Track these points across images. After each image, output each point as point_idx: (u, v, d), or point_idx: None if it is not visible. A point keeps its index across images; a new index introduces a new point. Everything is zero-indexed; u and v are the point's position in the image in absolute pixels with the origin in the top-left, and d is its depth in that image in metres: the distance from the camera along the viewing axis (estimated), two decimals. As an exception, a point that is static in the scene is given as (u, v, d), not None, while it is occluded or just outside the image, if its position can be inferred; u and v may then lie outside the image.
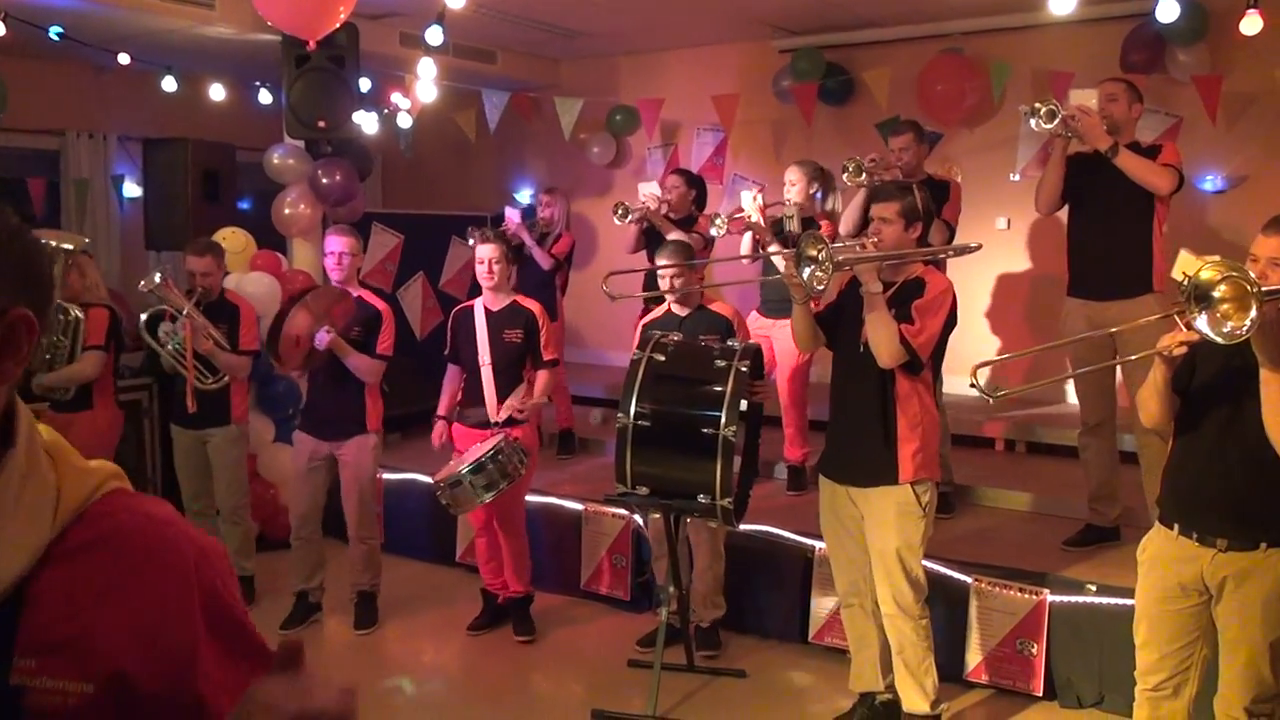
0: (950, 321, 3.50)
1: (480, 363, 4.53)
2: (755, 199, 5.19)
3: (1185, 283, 2.58)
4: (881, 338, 3.40)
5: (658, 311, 4.54)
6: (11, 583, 0.94)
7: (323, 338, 4.40)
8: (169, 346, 4.80)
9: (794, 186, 5.29)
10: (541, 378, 4.59)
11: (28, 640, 0.94)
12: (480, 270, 4.55)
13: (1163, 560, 2.98)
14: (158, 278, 4.71)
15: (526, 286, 6.19)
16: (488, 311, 4.59)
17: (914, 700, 3.57)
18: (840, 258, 3.31)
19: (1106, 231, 4.39)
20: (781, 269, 5.20)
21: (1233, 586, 2.88)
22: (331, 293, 4.58)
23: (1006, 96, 6.54)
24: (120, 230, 7.71)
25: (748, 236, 5.30)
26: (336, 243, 4.66)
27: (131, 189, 7.61)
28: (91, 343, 4.80)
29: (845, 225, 5.24)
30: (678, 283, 4.38)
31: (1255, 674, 2.90)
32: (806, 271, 3.29)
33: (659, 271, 4.44)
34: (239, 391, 5.02)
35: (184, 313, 4.69)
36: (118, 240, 7.67)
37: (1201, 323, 2.53)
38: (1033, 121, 4.22)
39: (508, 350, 4.51)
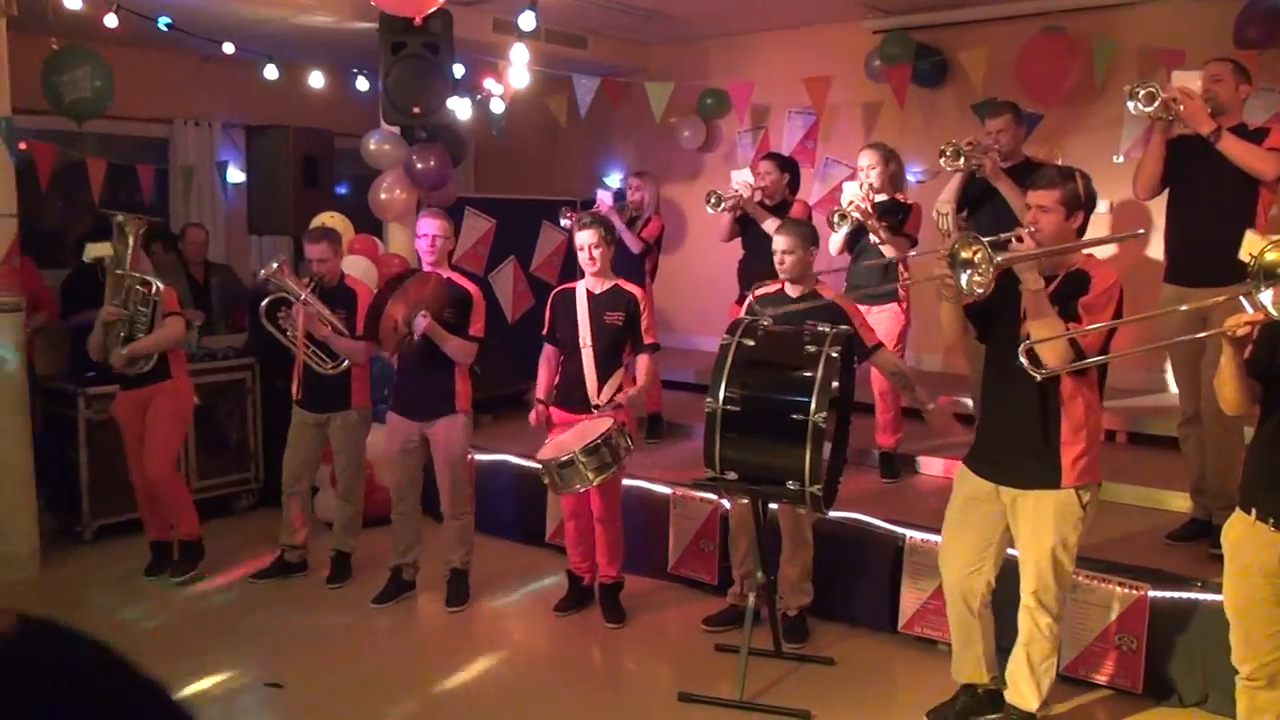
0: (1117, 315, 3.30)
1: (581, 344, 4.55)
2: (862, 188, 5.14)
3: (1251, 263, 2.54)
4: (1048, 343, 3.19)
5: (771, 286, 4.49)
6: None
7: (420, 323, 4.49)
8: (289, 334, 4.93)
9: (873, 170, 5.25)
10: (643, 362, 4.60)
11: None
12: (582, 256, 4.56)
13: (1243, 546, 2.94)
14: (275, 265, 4.86)
15: (616, 270, 6.20)
16: (589, 294, 4.61)
17: (1026, 696, 3.49)
18: (1000, 258, 3.13)
19: (1207, 217, 4.21)
20: (892, 253, 5.15)
21: None
22: (427, 278, 4.64)
23: (1111, 76, 6.33)
24: (225, 215, 7.95)
25: (843, 230, 5.24)
26: (429, 225, 4.74)
27: (235, 175, 7.84)
28: (169, 309, 5.04)
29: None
30: (790, 265, 4.33)
31: None
32: (964, 277, 3.12)
33: (775, 250, 4.38)
34: (360, 377, 5.12)
35: (301, 299, 4.82)
36: (222, 225, 7.93)
37: (1266, 299, 2.48)
38: (1131, 105, 4.09)
39: (609, 333, 4.52)
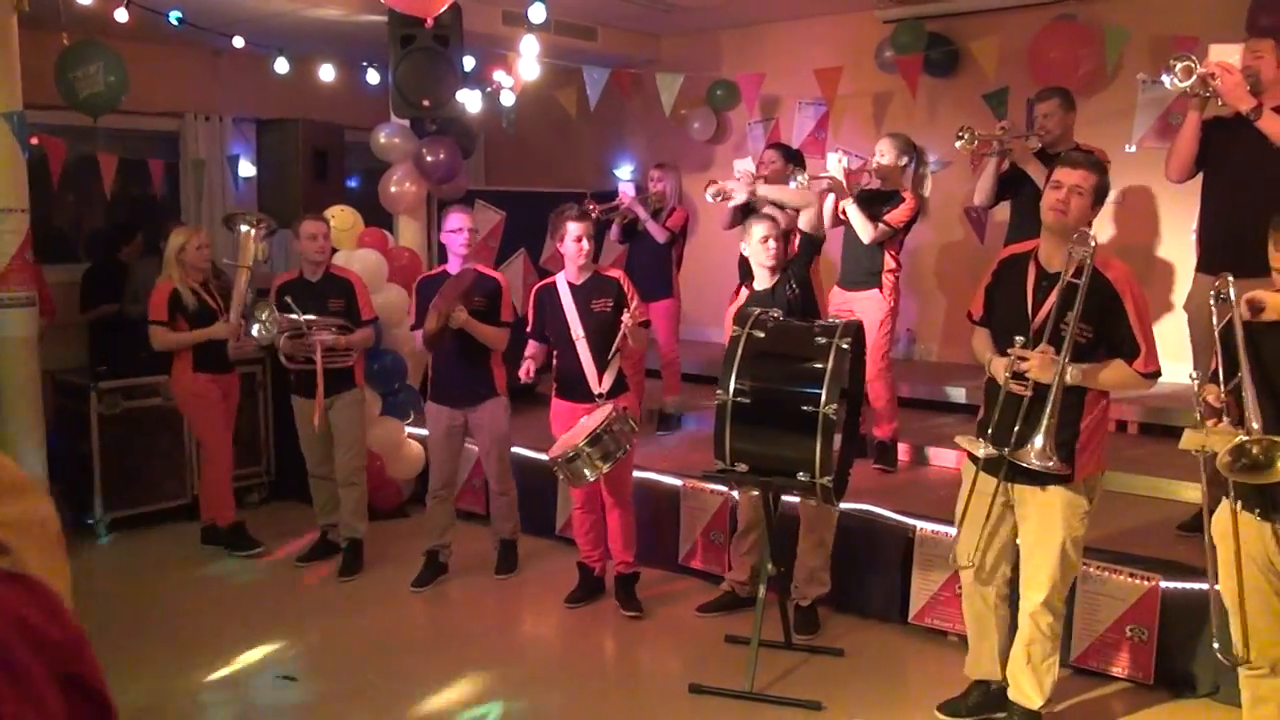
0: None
1: (574, 337, 4.56)
2: (840, 160, 5.17)
3: None
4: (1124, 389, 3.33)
5: (741, 299, 4.49)
6: None
7: (458, 318, 4.72)
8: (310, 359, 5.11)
9: (884, 157, 5.28)
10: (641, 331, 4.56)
11: None
12: (575, 247, 4.55)
13: (1231, 536, 2.98)
14: (265, 318, 5.08)
15: (643, 262, 6.21)
16: (572, 286, 4.62)
17: (1029, 694, 3.48)
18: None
19: (1245, 203, 3.99)
20: (863, 235, 5.16)
21: None
22: (460, 277, 4.82)
23: (1123, 64, 6.29)
24: (235, 209, 7.97)
25: (829, 204, 5.25)
26: (461, 219, 4.94)
27: (246, 168, 7.86)
28: (151, 318, 5.24)
29: (980, 196, 5.14)
30: (775, 249, 4.34)
31: None
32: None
33: (757, 250, 4.38)
34: (359, 359, 5.35)
35: (310, 329, 5.05)
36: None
37: None
38: (1167, 79, 3.93)
39: (599, 321, 4.52)
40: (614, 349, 4.46)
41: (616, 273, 4.68)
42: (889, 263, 5.31)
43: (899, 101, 7.32)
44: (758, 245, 4.36)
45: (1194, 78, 3.91)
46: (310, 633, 4.60)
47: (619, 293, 4.57)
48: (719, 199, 5.74)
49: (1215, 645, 2.99)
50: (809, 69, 7.18)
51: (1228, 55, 3.99)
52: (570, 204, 5.34)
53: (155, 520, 5.47)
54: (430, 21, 5.65)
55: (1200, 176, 4.30)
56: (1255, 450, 2.74)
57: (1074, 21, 6.57)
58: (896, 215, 5.24)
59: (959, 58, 7.12)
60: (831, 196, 5.27)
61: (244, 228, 5.25)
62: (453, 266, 4.97)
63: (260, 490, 6.49)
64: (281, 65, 6.73)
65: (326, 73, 6.96)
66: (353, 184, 7.92)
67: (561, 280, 4.66)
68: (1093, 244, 3.19)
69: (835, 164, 5.20)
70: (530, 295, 4.80)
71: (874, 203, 5.26)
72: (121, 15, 5.57)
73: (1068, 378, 3.19)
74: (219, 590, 5.12)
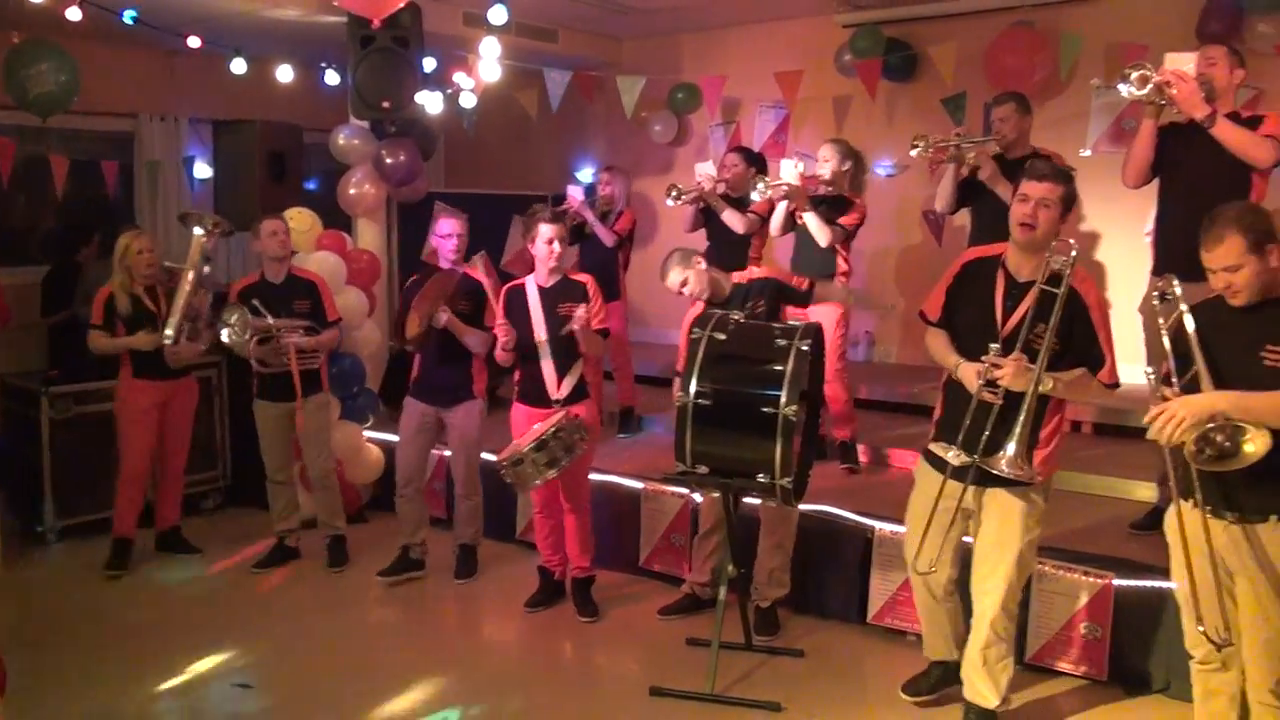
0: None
1: (537, 339, 4.55)
2: (796, 167, 5.21)
3: None
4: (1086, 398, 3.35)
5: (697, 309, 4.50)
6: None
7: (440, 318, 4.76)
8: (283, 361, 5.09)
9: (827, 163, 5.33)
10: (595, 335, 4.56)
11: None
12: (546, 249, 4.54)
13: (1184, 533, 3.00)
14: (234, 321, 4.97)
15: (590, 264, 6.21)
16: (540, 289, 4.61)
17: (984, 694, 3.52)
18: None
19: (1199, 208, 3.92)
20: (821, 240, 5.20)
21: (1246, 561, 2.90)
22: (444, 278, 4.87)
23: (1077, 70, 6.39)
24: (191, 210, 7.87)
25: (780, 210, 5.29)
26: (452, 224, 4.98)
27: (202, 170, 7.77)
28: (91, 321, 5.16)
29: (940, 203, 5.17)
30: (695, 288, 4.40)
31: (1275, 653, 2.89)
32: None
33: (679, 292, 4.43)
34: (324, 361, 5.35)
35: (277, 331, 5.03)
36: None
37: None
38: (1124, 88, 3.97)
39: (564, 325, 4.50)
40: (564, 330, 4.43)
41: (585, 278, 4.67)
42: (841, 265, 5.38)
43: (858, 105, 7.38)
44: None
45: (1150, 86, 3.95)
46: (267, 639, 4.54)
47: (586, 298, 4.55)
48: (681, 201, 5.77)
49: (1200, 629, 3.02)
50: (769, 72, 7.23)
51: (1182, 63, 4.03)
52: (544, 205, 5.36)
53: (107, 527, 5.38)
54: (377, 23, 5.62)
55: (1156, 181, 4.35)
56: (1220, 437, 2.77)
57: (1030, 28, 6.66)
58: (850, 218, 5.30)
59: (917, 62, 7.19)
60: (783, 203, 5.31)
61: (197, 230, 5.13)
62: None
63: (216, 496, 6.40)
64: (238, 65, 6.66)
65: (284, 73, 6.90)
66: (311, 186, 7.85)
67: (531, 282, 4.65)
68: (1073, 254, 3.23)
69: (791, 171, 5.23)
70: (500, 295, 4.79)
71: (826, 208, 5.31)
72: (74, 14, 5.48)
73: (1042, 387, 3.22)
74: (173, 598, 5.04)
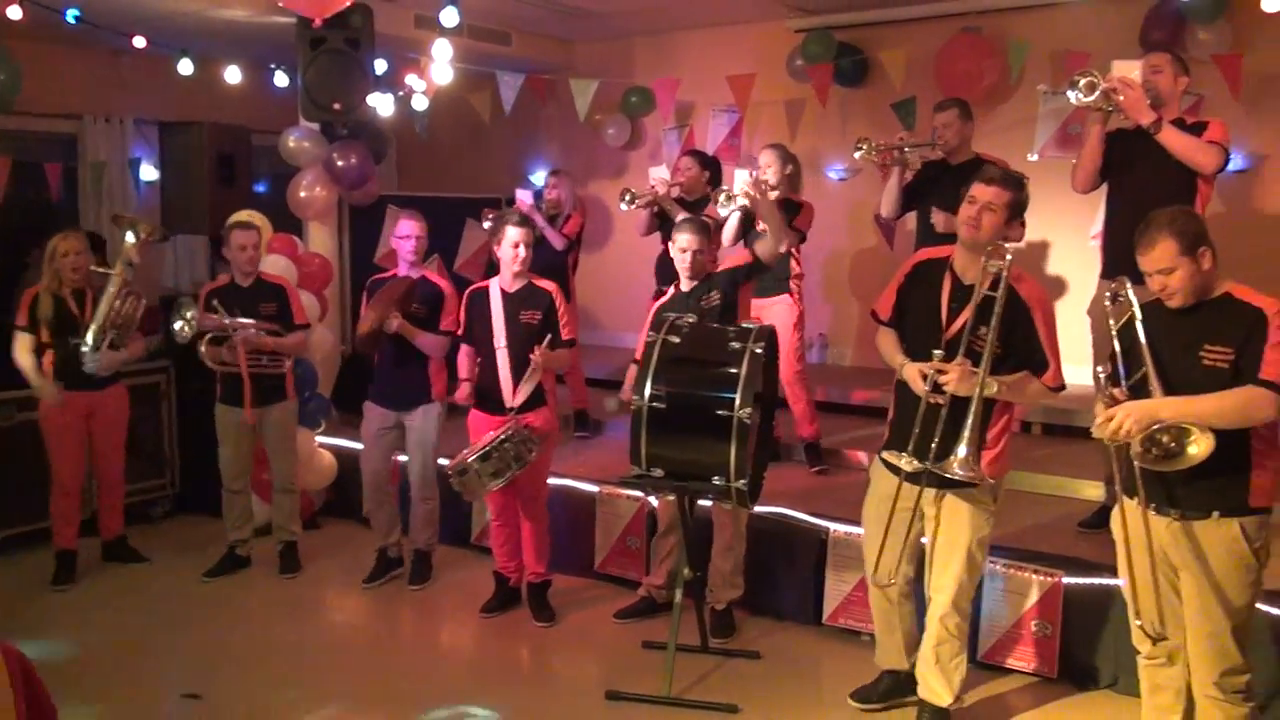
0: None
1: (495, 345, 4.51)
2: (752, 175, 5.22)
3: None
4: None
5: (667, 296, 4.53)
6: None
7: (391, 324, 4.75)
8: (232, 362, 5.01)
9: (770, 169, 5.33)
10: (559, 354, 4.55)
11: None
12: (510, 253, 4.50)
13: (1129, 532, 3.07)
14: (190, 316, 4.88)
15: (539, 267, 6.18)
16: (504, 293, 4.57)
17: (938, 692, 3.56)
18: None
19: (1147, 213, 4.12)
20: (780, 246, 5.21)
21: (1188, 557, 2.97)
22: (399, 283, 4.87)
23: (1024, 76, 6.48)
24: (137, 213, 7.73)
25: (734, 220, 5.30)
26: (411, 226, 4.95)
27: (149, 172, 7.64)
28: (16, 323, 5.05)
29: (885, 207, 5.22)
30: (691, 262, 4.36)
31: (1218, 647, 2.95)
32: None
33: (678, 253, 4.41)
34: (290, 369, 5.29)
35: (232, 331, 4.95)
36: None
37: None
38: (1072, 95, 4.05)
39: (524, 333, 4.46)
40: (528, 373, 4.41)
41: (550, 285, 4.60)
42: (795, 268, 5.42)
43: (810, 109, 7.43)
44: (678, 253, 4.39)
45: (1097, 93, 4.04)
46: (217, 648, 4.47)
47: (550, 307, 4.52)
48: (634, 205, 5.77)
49: (1138, 623, 3.08)
50: (722, 76, 7.26)
51: (1129, 70, 4.13)
52: (513, 209, 5.33)
53: (49, 537, 5.25)
54: (319, 22, 5.57)
55: (1105, 186, 4.43)
56: (1166, 438, 2.83)
57: (978, 34, 6.75)
58: (803, 220, 5.34)
59: (868, 67, 7.26)
60: (736, 215, 5.30)
61: (128, 234, 4.99)
62: (402, 272, 5.00)
63: (164, 504, 6.29)
64: (185, 66, 6.57)
65: (232, 74, 6.81)
66: (260, 189, 7.75)
67: (495, 286, 4.61)
68: (1008, 258, 3.27)
69: (746, 180, 5.22)
70: (463, 298, 4.74)
71: (783, 213, 5.32)
72: (15, 12, 5.37)
73: (987, 390, 3.26)
74: (120, 607, 4.95)
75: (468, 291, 4.74)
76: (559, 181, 6.47)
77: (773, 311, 5.27)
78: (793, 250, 5.37)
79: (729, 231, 5.41)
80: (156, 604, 4.97)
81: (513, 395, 4.48)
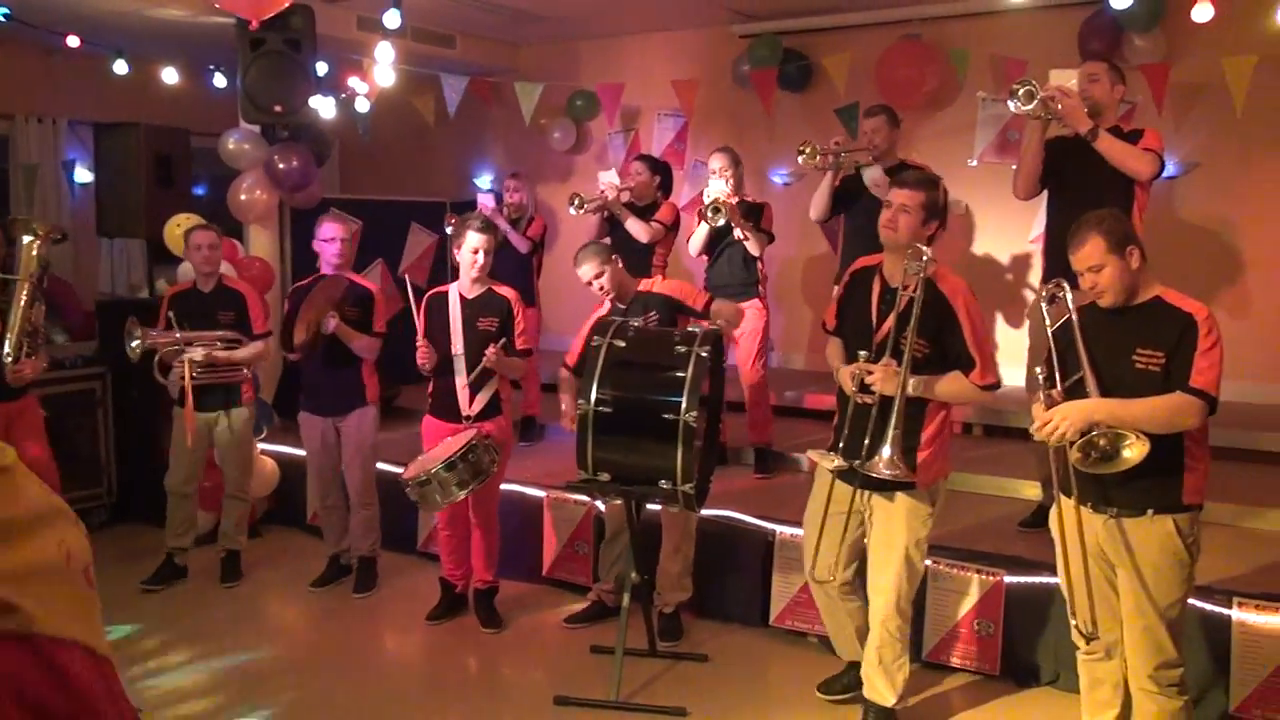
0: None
1: (453, 352, 4.46)
2: (728, 184, 5.25)
3: None
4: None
5: (602, 310, 4.52)
6: None
7: (329, 323, 4.70)
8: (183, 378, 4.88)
9: (727, 171, 5.34)
10: (512, 360, 4.52)
11: None
12: (470, 259, 4.42)
13: (1067, 529, 3.13)
14: (139, 335, 4.76)
15: (505, 272, 6.15)
16: (463, 299, 4.51)
17: (882, 693, 3.59)
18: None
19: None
20: (755, 250, 5.26)
21: (1124, 554, 3.04)
22: (332, 284, 4.81)
23: (964, 83, 6.58)
24: (72, 217, 7.57)
25: (703, 229, 5.33)
26: (333, 229, 4.89)
27: (83, 174, 7.48)
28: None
29: (815, 210, 5.27)
30: (607, 285, 4.39)
31: (1153, 641, 3.02)
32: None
33: (590, 284, 4.42)
34: (249, 373, 5.23)
35: (182, 350, 4.86)
36: (69, 227, 7.53)
37: None
38: (1012, 103, 4.11)
39: (482, 340, 4.40)
40: (478, 369, 4.38)
41: (510, 293, 4.55)
42: (762, 272, 5.46)
43: (755, 114, 7.47)
44: (598, 290, 4.44)
45: (1036, 101, 4.10)
46: (157, 660, 4.38)
47: (507, 314, 4.48)
48: (584, 210, 5.76)
49: (1074, 621, 3.14)
50: (667, 81, 7.27)
51: (1066, 79, 4.21)
52: (476, 213, 5.27)
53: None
54: (256, 24, 5.49)
55: (1045, 193, 4.52)
56: (1103, 442, 2.90)
57: (919, 41, 6.84)
58: (767, 220, 5.39)
59: (812, 73, 7.32)
60: (704, 226, 5.33)
61: (25, 237, 4.82)
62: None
63: (101, 513, 6.15)
64: (120, 67, 6.44)
65: (170, 75, 6.69)
66: (199, 191, 7.62)
67: (454, 291, 4.55)
68: (925, 259, 3.32)
69: (721, 189, 5.25)
70: (423, 302, 4.61)
71: (746, 217, 5.35)
72: (-59, 10, 5.23)
73: (909, 389, 3.30)
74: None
75: (427, 296, 4.65)
76: (520, 184, 6.43)
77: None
78: (759, 255, 5.39)
79: (697, 241, 5.42)
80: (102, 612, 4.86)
81: (469, 403, 4.44)
